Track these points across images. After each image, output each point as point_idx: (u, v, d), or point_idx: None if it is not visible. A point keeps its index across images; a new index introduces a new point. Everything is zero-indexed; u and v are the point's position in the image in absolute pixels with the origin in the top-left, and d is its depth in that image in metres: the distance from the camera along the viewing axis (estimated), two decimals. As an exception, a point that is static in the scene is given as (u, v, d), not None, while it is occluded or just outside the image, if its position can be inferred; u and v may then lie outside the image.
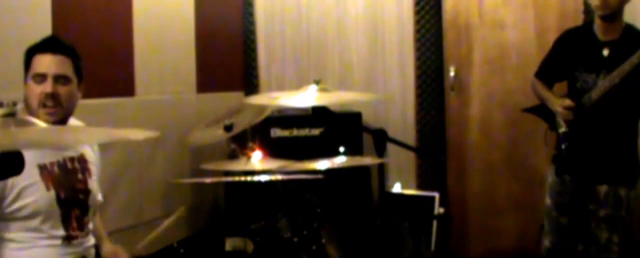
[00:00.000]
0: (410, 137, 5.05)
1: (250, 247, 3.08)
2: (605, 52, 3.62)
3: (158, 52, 4.47)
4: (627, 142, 3.73)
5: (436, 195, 4.83)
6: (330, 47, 5.23)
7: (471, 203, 5.04)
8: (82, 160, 2.93)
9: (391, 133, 5.00)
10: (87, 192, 2.90)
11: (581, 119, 3.67)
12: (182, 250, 2.89)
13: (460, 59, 4.99)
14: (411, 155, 5.07)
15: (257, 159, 3.50)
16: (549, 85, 3.91)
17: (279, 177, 3.30)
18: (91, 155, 3.02)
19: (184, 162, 4.64)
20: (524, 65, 4.83)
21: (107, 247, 3.09)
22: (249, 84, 5.32)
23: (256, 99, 3.57)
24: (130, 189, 4.25)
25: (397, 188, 5.01)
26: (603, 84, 3.55)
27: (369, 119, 5.06)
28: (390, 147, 5.08)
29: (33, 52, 2.75)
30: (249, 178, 3.18)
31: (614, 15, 3.58)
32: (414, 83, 5.04)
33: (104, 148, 4.14)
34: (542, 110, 3.91)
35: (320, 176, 3.37)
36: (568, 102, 3.69)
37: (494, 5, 4.89)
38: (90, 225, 2.92)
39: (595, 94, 3.59)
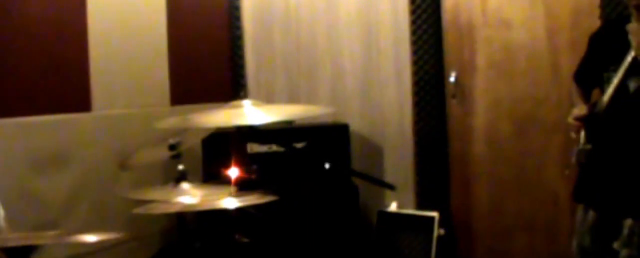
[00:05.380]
0: (408, 150, 4.61)
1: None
2: None
3: (120, 62, 4.13)
4: None
5: (435, 215, 4.39)
6: (321, 54, 4.80)
7: (477, 223, 4.54)
8: None
9: (387, 146, 4.67)
10: None
11: (597, 132, 3.05)
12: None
13: (463, 62, 4.50)
14: (410, 171, 4.62)
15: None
16: (587, 91, 3.30)
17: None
18: None
19: (154, 181, 4.29)
20: (533, 68, 4.35)
21: None
22: (237, 94, 4.94)
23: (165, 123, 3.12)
24: (89, 211, 3.92)
25: (393, 207, 4.58)
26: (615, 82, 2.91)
27: (363, 130, 4.68)
28: (387, 162, 4.68)
29: None
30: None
31: None
32: (411, 90, 4.58)
33: (59, 168, 3.86)
34: None
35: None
36: (581, 110, 3.11)
37: (499, 1, 4.39)
38: None
39: (606, 95, 2.97)
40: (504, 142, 4.45)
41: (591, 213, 3.11)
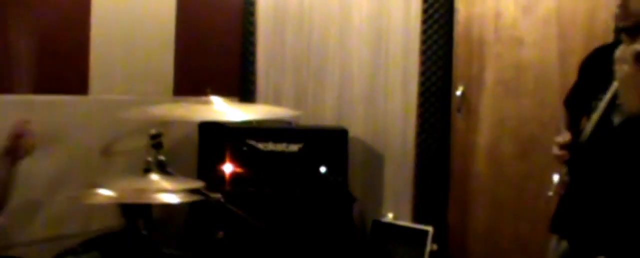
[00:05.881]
0: (408, 161, 4.52)
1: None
2: None
3: (123, 47, 4.12)
4: (635, 200, 2.70)
5: (430, 229, 4.31)
6: (331, 57, 4.74)
7: (472, 242, 4.42)
8: None
9: (388, 155, 4.59)
10: None
11: (579, 162, 2.83)
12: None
13: (471, 77, 4.38)
14: (409, 182, 4.53)
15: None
16: (576, 118, 3.05)
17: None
18: None
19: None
20: (542, 89, 4.20)
21: None
22: (246, 90, 4.89)
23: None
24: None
25: (389, 217, 4.51)
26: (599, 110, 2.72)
27: (365, 137, 4.62)
28: (387, 171, 4.60)
29: None
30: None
31: (638, 27, 2.70)
32: (416, 101, 4.48)
33: (49, 149, 3.85)
34: None
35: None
36: (565, 137, 2.86)
37: (513, 19, 4.27)
38: None
39: (589, 126, 2.78)
40: (506, 162, 4.32)
41: (564, 244, 2.95)
